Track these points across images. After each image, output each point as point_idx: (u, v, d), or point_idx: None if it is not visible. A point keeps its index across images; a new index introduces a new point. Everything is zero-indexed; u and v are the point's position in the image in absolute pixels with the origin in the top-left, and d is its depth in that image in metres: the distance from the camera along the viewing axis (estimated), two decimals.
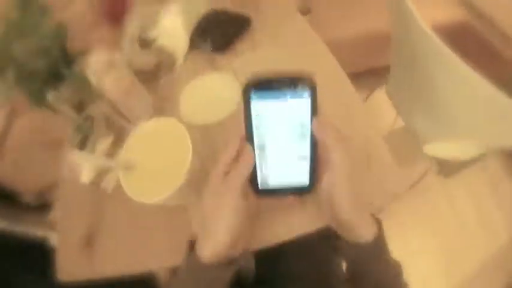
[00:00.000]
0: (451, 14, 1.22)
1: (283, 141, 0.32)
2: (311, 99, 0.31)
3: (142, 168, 0.45)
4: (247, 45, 0.71)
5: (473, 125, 0.70)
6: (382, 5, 0.85)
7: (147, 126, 0.48)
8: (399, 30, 0.77)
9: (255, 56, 0.69)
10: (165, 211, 0.53)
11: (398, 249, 0.38)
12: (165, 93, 0.66)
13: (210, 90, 0.64)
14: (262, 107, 0.31)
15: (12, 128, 1.15)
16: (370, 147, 0.51)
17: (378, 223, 0.35)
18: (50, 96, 0.59)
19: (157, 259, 0.52)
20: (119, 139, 0.58)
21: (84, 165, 0.53)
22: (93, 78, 0.61)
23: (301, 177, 0.34)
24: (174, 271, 0.37)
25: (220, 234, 0.32)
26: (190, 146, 0.43)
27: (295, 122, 0.32)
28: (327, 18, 1.31)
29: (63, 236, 0.59)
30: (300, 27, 0.71)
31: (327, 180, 0.32)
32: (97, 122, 0.55)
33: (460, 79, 0.60)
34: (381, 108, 1.25)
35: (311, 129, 0.32)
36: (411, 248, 1.21)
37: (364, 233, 0.33)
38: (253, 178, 0.33)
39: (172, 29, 0.73)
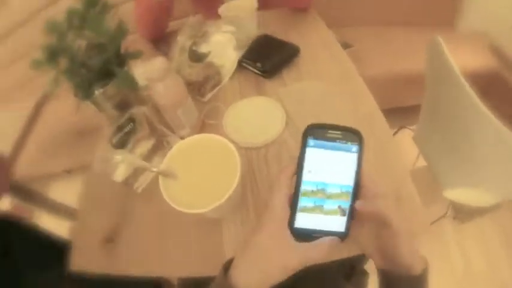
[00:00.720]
0: (483, 62, 1.25)
1: (326, 188, 0.34)
2: (358, 154, 0.34)
3: (185, 178, 0.45)
4: (294, 74, 0.72)
5: (498, 177, 0.72)
6: (417, 47, 0.88)
7: (195, 139, 0.48)
8: (435, 78, 0.78)
9: (300, 86, 0.69)
10: (194, 221, 0.52)
11: None
12: (209, 109, 0.65)
13: (255, 113, 0.64)
14: (315, 153, 0.34)
15: (41, 114, 1.16)
16: (400, 185, 0.51)
17: (424, 257, 0.36)
18: (97, 91, 0.59)
19: (177, 267, 0.50)
20: (157, 146, 0.57)
21: (119, 164, 0.51)
22: (143, 81, 0.62)
23: (337, 225, 0.35)
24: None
25: (275, 272, 0.32)
26: (240, 166, 0.43)
27: (340, 172, 0.34)
28: (365, 53, 1.34)
29: (82, 228, 0.58)
30: (342, 62, 0.72)
31: (387, 239, 0.34)
32: (140, 125, 0.54)
33: (491, 132, 0.62)
34: (403, 145, 1.30)
35: (354, 181, 0.34)
36: None
37: (416, 267, 0.34)
38: (291, 215, 0.34)
39: (223, 47, 0.74)
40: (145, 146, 0.54)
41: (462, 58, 0.79)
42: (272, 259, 0.32)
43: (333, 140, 0.34)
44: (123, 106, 0.65)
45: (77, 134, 1.43)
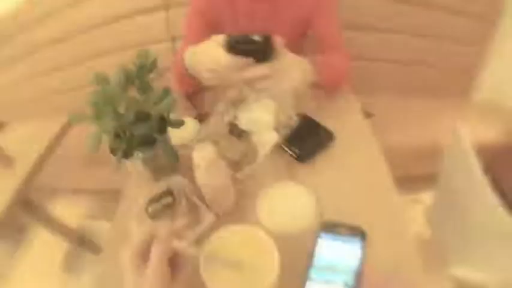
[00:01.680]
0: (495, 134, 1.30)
1: (335, 275, 0.39)
2: (362, 250, 0.40)
3: (224, 263, 0.46)
4: (327, 161, 0.73)
5: (504, 263, 0.78)
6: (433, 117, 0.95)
7: (236, 228, 0.50)
8: (453, 162, 0.85)
9: (334, 175, 0.70)
10: None
11: None
12: (243, 188, 0.67)
13: (289, 202, 0.65)
14: (326, 243, 0.42)
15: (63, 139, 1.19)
16: (404, 256, 0.54)
17: None
18: (136, 155, 0.61)
19: None
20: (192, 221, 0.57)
21: None
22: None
23: None
24: None
25: None
26: (278, 261, 0.45)
27: (348, 264, 0.39)
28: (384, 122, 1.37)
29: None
30: (374, 154, 0.74)
31: None
32: (178, 200, 0.55)
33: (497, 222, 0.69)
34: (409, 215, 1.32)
35: (356, 273, 0.38)
36: None
37: None
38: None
39: (262, 125, 0.76)
40: (181, 222, 0.54)
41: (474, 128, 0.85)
42: None
43: (341, 234, 0.42)
44: (159, 171, 0.67)
45: (82, 161, 1.46)
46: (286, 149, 0.74)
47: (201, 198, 0.60)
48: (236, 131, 0.73)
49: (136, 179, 0.72)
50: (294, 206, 0.64)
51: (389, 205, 0.64)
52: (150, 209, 0.55)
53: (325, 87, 0.89)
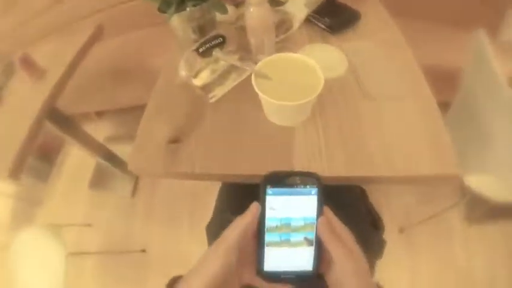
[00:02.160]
0: None
1: (291, 233, 0.36)
2: (318, 197, 0.36)
3: (275, 82, 0.52)
4: (354, 35, 0.78)
5: None
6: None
7: (284, 55, 0.56)
8: (474, 70, 0.86)
9: (360, 44, 0.75)
10: (267, 130, 0.58)
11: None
12: (281, 47, 0.71)
13: (323, 56, 0.70)
14: (276, 200, 0.36)
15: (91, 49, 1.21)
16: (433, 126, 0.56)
17: None
18: (188, 8, 0.64)
19: (243, 165, 0.55)
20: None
21: (204, 69, 0.57)
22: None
23: (305, 264, 0.36)
24: None
25: (212, 266, 0.33)
26: (323, 81, 0.50)
27: (302, 216, 0.36)
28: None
29: (145, 131, 0.63)
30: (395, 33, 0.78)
31: (335, 275, 0.34)
32: (229, 40, 0.59)
33: None
34: None
35: (316, 223, 0.35)
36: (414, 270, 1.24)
37: None
38: (259, 258, 0.35)
39: (294, 2, 0.81)
40: (233, 58, 0.59)
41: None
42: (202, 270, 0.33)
43: (292, 185, 0.36)
44: (200, 31, 0.71)
45: (112, 78, 1.50)
46: (317, 22, 0.79)
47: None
48: (275, 1, 0.78)
49: (179, 41, 0.76)
50: (329, 58, 0.70)
51: (414, 77, 0.65)
52: (201, 49, 0.59)
53: None
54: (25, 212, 1.74)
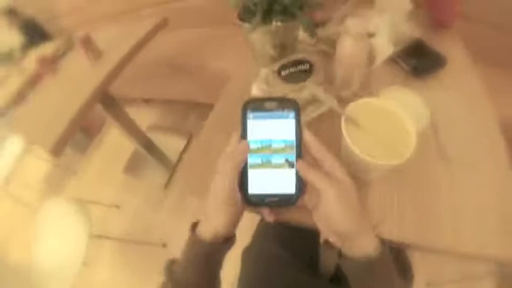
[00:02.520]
0: None
1: (271, 144, 0.37)
2: (296, 120, 0.37)
3: (364, 129, 0.47)
4: (437, 82, 0.72)
5: None
6: None
7: (378, 102, 0.51)
8: None
9: (443, 95, 0.68)
10: None
11: None
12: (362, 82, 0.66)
13: (405, 103, 0.63)
14: (256, 123, 0.37)
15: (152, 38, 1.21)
16: None
17: (382, 241, 0.36)
18: (275, 23, 0.61)
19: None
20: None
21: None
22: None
23: (288, 187, 0.36)
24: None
25: (218, 218, 0.37)
26: (415, 136, 0.45)
27: (282, 138, 0.37)
28: None
29: (205, 141, 0.61)
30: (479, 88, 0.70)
31: (321, 207, 0.35)
32: (317, 69, 0.55)
33: None
34: None
35: (296, 145, 0.36)
36: None
37: (365, 244, 0.35)
38: (243, 184, 0.37)
39: (381, 34, 0.75)
40: (322, 95, 0.54)
41: None
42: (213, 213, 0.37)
43: (270, 109, 0.37)
44: (281, 49, 0.67)
45: (167, 69, 1.49)
46: (401, 62, 0.73)
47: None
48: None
49: (255, 54, 0.72)
50: (412, 107, 0.63)
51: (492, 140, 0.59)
52: (283, 72, 0.55)
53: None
54: (58, 179, 1.80)
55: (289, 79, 0.55)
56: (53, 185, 1.80)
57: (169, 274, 0.39)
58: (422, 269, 1.23)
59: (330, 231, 0.36)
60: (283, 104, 0.37)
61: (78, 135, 1.84)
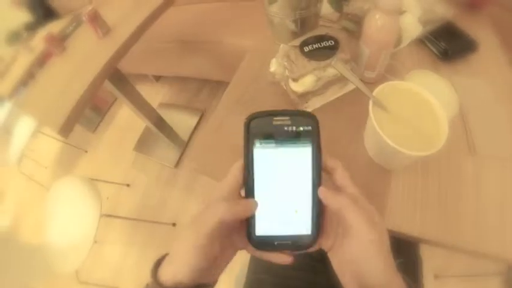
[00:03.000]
0: None
1: (284, 188, 0.30)
2: (312, 148, 0.30)
3: (393, 114, 0.44)
4: (467, 67, 0.67)
5: None
6: None
7: (408, 86, 0.47)
8: None
9: (473, 82, 0.64)
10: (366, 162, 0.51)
11: None
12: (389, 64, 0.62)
13: (433, 89, 0.60)
14: (264, 151, 0.30)
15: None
16: None
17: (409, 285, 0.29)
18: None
19: None
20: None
21: (309, 74, 0.49)
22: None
23: (302, 227, 0.30)
24: None
25: (179, 271, 0.28)
26: (446, 134, 0.41)
27: (298, 168, 0.30)
28: None
29: (217, 121, 0.57)
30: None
31: (349, 248, 0.28)
32: (343, 46, 0.51)
33: None
34: None
35: (313, 178, 0.30)
36: None
37: None
38: (249, 223, 0.30)
39: (410, 15, 0.70)
40: (350, 74, 0.49)
41: None
42: (178, 254, 0.29)
43: (281, 130, 0.30)
44: (301, 24, 0.63)
45: (177, 45, 1.44)
46: (430, 44, 0.69)
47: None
48: None
49: (273, 29, 0.68)
50: (440, 94, 0.59)
51: None
52: (306, 48, 0.51)
53: None
54: (69, 158, 1.80)
55: (312, 56, 0.50)
56: (64, 164, 1.81)
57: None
58: (430, 261, 1.23)
59: (352, 277, 0.29)
60: (297, 120, 0.30)
61: (89, 113, 1.83)
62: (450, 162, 0.51)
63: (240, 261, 0.73)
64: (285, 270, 0.59)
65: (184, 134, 1.59)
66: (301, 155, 0.30)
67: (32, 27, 1.45)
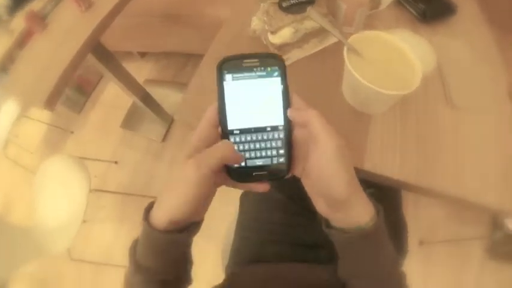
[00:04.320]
0: None
1: (256, 122, 0.32)
2: (281, 77, 0.32)
3: (366, 60, 0.45)
4: (445, 29, 0.69)
5: None
6: None
7: (382, 35, 0.49)
8: None
9: (450, 42, 0.66)
10: (344, 108, 0.53)
11: None
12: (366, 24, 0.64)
13: (411, 45, 0.61)
14: (235, 87, 0.32)
15: None
16: None
17: (377, 208, 0.32)
18: None
19: None
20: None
21: (286, 27, 0.50)
22: None
23: (277, 159, 0.32)
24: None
25: (176, 206, 0.30)
26: (421, 72, 0.43)
27: (267, 101, 0.32)
28: None
29: (199, 80, 0.58)
30: (488, 41, 0.68)
31: (315, 162, 0.30)
32: (319, 0, 0.52)
33: None
34: None
35: (283, 107, 0.32)
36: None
37: (360, 214, 0.30)
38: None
39: None
40: (325, 23, 0.50)
41: None
42: (177, 189, 0.30)
43: (251, 69, 0.31)
44: None
45: (160, 19, 1.42)
46: (409, 6, 0.70)
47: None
48: None
49: None
50: (418, 50, 0.60)
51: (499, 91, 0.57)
52: (284, 3, 0.52)
53: None
54: (55, 140, 1.78)
55: (290, 10, 0.52)
56: (51, 146, 1.79)
57: (132, 255, 0.34)
58: (415, 227, 1.27)
59: (321, 195, 0.31)
60: (265, 61, 0.32)
61: (73, 94, 1.80)
62: (428, 112, 0.54)
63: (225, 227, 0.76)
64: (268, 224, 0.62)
65: (170, 109, 1.59)
66: (270, 88, 0.32)
67: (11, 11, 1.41)
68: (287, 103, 0.32)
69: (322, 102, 0.51)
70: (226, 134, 0.32)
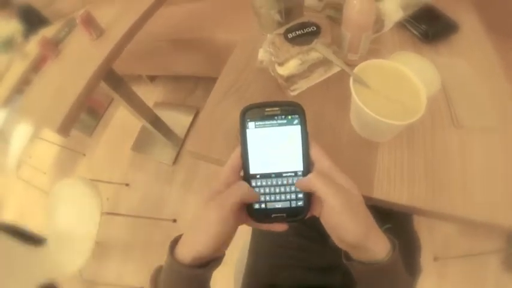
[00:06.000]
0: None
1: (277, 167, 0.34)
2: (301, 125, 0.33)
3: (372, 89, 0.46)
4: (448, 48, 0.70)
5: None
6: None
7: (382, 62, 0.50)
8: None
9: (454, 62, 0.66)
10: (350, 140, 0.53)
11: None
12: (371, 48, 0.65)
13: (416, 68, 0.62)
14: (257, 134, 0.34)
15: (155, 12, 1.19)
16: None
17: (393, 243, 0.34)
18: None
19: None
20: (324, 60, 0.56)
21: (293, 58, 0.52)
22: None
23: (296, 202, 0.34)
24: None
25: (200, 243, 0.32)
26: (425, 98, 0.44)
27: (287, 148, 0.34)
28: None
29: (211, 109, 0.59)
30: (491, 56, 0.68)
31: (326, 215, 0.32)
32: (324, 32, 0.54)
33: None
34: None
35: (303, 154, 0.33)
36: None
37: (377, 251, 0.32)
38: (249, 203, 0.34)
39: (390, 0, 0.72)
40: (329, 54, 0.53)
41: None
42: (200, 227, 0.32)
43: (272, 117, 0.33)
44: (286, 14, 0.66)
45: (169, 44, 1.47)
46: (411, 28, 0.71)
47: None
48: None
49: (260, 21, 0.71)
50: (422, 72, 0.61)
51: (504, 108, 0.58)
52: (290, 35, 0.54)
53: None
54: (68, 162, 1.82)
55: (296, 41, 0.53)
56: (63, 168, 1.83)
57: (152, 281, 0.36)
58: (429, 243, 1.25)
59: (339, 240, 0.33)
60: (286, 109, 0.34)
61: (85, 117, 1.84)
62: (435, 135, 0.54)
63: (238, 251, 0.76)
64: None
65: (180, 132, 1.61)
66: (290, 135, 0.34)
67: (25, 36, 1.47)
68: (307, 150, 0.33)
69: (330, 131, 0.54)
70: (248, 178, 0.34)
